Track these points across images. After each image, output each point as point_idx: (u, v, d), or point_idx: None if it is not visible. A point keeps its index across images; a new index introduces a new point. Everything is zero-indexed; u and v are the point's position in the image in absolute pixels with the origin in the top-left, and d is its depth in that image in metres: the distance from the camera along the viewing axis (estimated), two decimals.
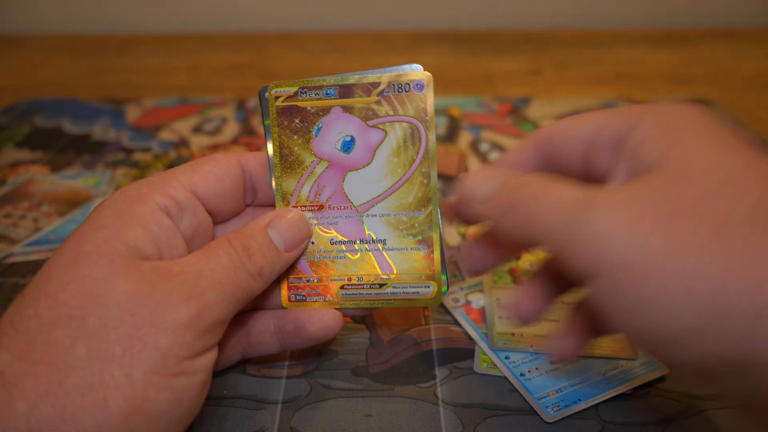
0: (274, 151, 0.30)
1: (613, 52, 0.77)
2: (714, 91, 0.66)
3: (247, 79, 0.72)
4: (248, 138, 0.57)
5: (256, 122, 0.59)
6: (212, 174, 0.28)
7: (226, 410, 0.30)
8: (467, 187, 0.26)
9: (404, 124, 0.29)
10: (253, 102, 0.63)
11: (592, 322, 0.27)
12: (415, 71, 0.28)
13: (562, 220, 0.21)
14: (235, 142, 0.56)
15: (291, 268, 0.30)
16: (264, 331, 0.30)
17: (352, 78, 0.29)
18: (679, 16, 0.86)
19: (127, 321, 0.22)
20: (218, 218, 0.30)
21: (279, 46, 0.81)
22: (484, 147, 0.55)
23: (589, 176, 0.25)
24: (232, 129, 0.58)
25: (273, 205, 0.31)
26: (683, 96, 0.63)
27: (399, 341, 0.35)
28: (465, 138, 0.56)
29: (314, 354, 0.34)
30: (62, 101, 0.64)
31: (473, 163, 0.52)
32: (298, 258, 0.30)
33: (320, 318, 0.29)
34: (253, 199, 0.31)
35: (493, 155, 0.53)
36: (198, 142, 0.56)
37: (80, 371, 0.21)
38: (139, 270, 0.24)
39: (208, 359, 0.24)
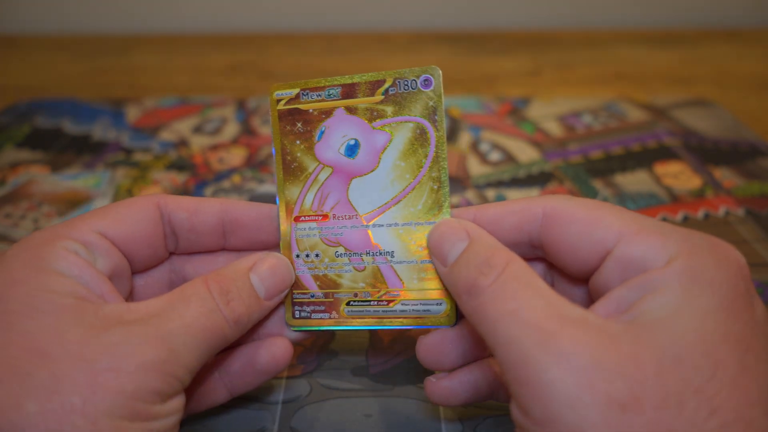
0: (277, 158, 0.28)
1: (613, 53, 0.77)
2: (714, 91, 0.66)
3: (247, 79, 0.72)
4: (248, 138, 0.57)
5: (256, 122, 0.59)
6: (125, 218, 0.26)
7: (226, 410, 0.30)
8: (437, 241, 0.25)
9: (411, 124, 0.26)
10: (253, 102, 0.63)
11: (493, 383, 0.27)
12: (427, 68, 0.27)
13: (514, 340, 0.20)
14: (235, 142, 0.56)
15: (295, 282, 0.28)
16: (207, 377, 0.28)
17: (356, 77, 0.27)
18: (679, 16, 0.86)
19: (82, 369, 0.20)
20: (136, 266, 0.27)
21: (279, 46, 0.81)
22: (484, 147, 0.55)
23: (572, 264, 0.24)
24: (232, 129, 0.58)
25: (201, 252, 0.29)
26: (683, 96, 0.63)
27: (399, 341, 0.35)
28: (465, 138, 0.56)
29: (314, 354, 0.34)
30: (62, 101, 0.64)
31: (473, 163, 0.52)
32: (303, 271, 0.28)
33: (268, 348, 0.27)
34: (175, 246, 0.28)
35: (493, 155, 0.53)
36: (198, 142, 0.56)
37: (34, 429, 0.20)
38: (84, 317, 0.22)
39: (178, 403, 0.23)
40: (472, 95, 0.65)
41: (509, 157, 0.53)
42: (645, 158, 0.52)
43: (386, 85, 0.27)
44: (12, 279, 0.22)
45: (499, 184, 0.49)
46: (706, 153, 0.53)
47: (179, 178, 0.51)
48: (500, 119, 0.59)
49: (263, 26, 0.87)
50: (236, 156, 0.54)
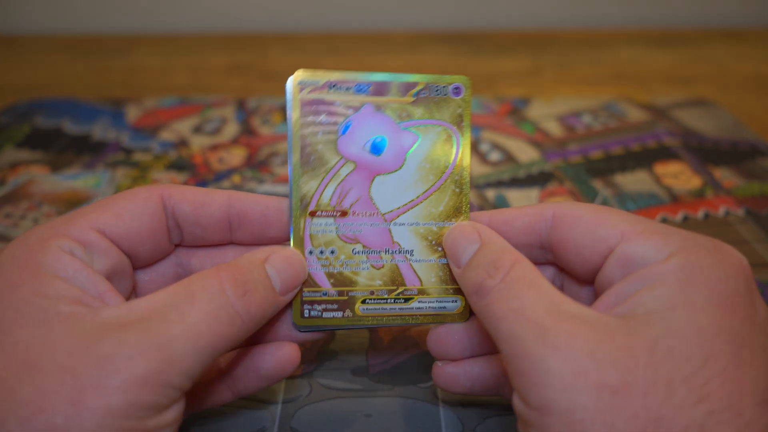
0: (294, 148, 0.27)
1: (612, 52, 0.77)
2: (714, 91, 0.66)
3: (247, 79, 0.72)
4: (248, 138, 0.57)
5: (256, 122, 0.59)
6: (126, 211, 0.25)
7: (226, 410, 0.30)
8: (452, 243, 0.26)
9: (439, 128, 0.27)
10: (253, 102, 0.63)
11: (500, 378, 0.27)
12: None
13: (515, 335, 0.21)
14: (235, 142, 0.56)
15: (306, 280, 0.27)
16: (210, 379, 0.27)
17: (388, 75, 0.27)
18: (679, 16, 0.86)
19: (68, 384, 0.19)
20: (138, 262, 0.26)
21: (279, 46, 0.81)
22: (484, 147, 0.55)
23: (578, 264, 0.25)
24: (232, 129, 0.58)
25: (206, 246, 0.28)
26: (683, 96, 0.63)
27: (399, 341, 0.35)
28: None
29: (314, 354, 0.34)
30: (62, 101, 0.64)
31: (473, 163, 0.52)
32: (315, 268, 0.27)
33: (274, 354, 0.26)
34: (180, 239, 0.27)
35: (493, 155, 0.53)
36: (198, 142, 0.56)
37: None
38: (78, 326, 0.21)
39: (175, 412, 0.22)
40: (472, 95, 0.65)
41: (509, 157, 0.53)
42: (645, 158, 0.52)
43: (418, 88, 0.27)
44: (6, 283, 0.22)
45: (499, 184, 0.49)
46: (706, 153, 0.53)
47: (179, 178, 0.51)
48: (500, 119, 0.59)
49: (263, 26, 0.87)
50: (236, 156, 0.54)
